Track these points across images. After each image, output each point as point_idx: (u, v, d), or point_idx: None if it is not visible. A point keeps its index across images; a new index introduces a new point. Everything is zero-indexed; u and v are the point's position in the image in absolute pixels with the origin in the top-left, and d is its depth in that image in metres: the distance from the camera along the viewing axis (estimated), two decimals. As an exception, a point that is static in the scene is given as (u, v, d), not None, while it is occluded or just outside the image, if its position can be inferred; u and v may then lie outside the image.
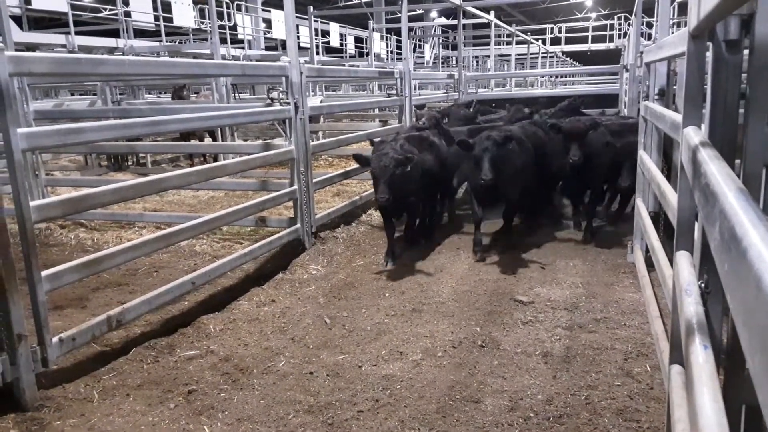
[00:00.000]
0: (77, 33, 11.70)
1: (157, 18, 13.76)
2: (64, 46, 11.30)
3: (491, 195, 5.47)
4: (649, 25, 14.34)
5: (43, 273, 3.15)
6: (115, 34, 13.01)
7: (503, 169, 5.15)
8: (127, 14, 13.04)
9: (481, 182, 5.05)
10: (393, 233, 5.57)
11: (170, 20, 13.81)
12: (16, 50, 6.13)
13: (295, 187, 5.68)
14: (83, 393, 3.21)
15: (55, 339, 3.19)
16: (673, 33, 4.65)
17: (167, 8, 13.67)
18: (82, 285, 4.80)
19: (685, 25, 2.13)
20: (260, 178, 7.45)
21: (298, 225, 5.71)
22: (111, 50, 12.48)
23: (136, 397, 3.19)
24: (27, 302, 3.07)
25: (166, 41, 14.58)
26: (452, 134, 6.40)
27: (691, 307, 1.70)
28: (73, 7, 11.64)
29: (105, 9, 15.15)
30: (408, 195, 5.27)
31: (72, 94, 16.24)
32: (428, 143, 5.88)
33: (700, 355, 1.45)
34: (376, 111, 13.05)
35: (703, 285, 1.84)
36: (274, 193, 5.62)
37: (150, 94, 15.18)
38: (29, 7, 11.13)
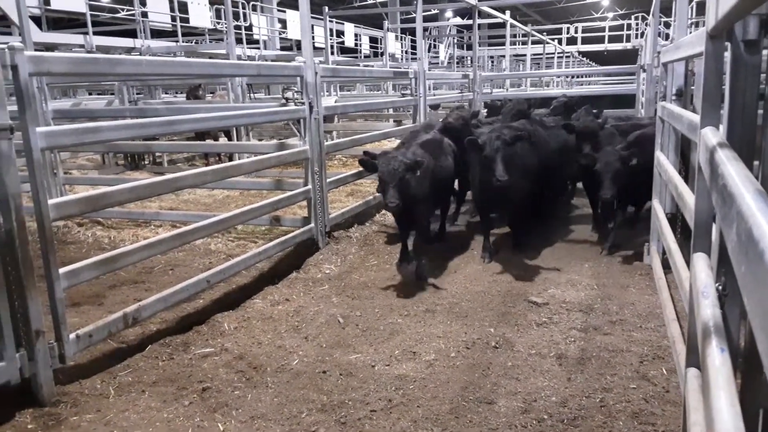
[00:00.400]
0: (95, 33, 11.85)
1: (173, 18, 13.88)
2: (82, 46, 11.45)
3: (500, 198, 5.28)
4: (667, 25, 14.21)
5: (61, 270, 3.20)
6: (132, 34, 13.16)
7: (515, 169, 5.00)
8: (144, 15, 13.18)
9: (498, 184, 4.84)
10: (407, 238, 5.39)
11: (187, 21, 13.92)
12: (36, 50, 6.22)
13: (309, 186, 5.70)
14: (99, 389, 3.25)
15: (72, 335, 3.23)
16: (690, 33, 4.61)
17: (184, 9, 13.79)
18: (99, 282, 4.86)
19: (703, 25, 2.11)
20: (275, 178, 7.49)
21: (312, 224, 5.73)
22: (128, 50, 12.62)
23: (151, 394, 3.22)
24: (45, 299, 3.12)
25: (183, 41, 14.70)
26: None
27: (708, 309, 1.68)
28: (92, 7, 11.79)
29: (122, 9, 15.33)
30: (419, 200, 4.99)
31: (90, 94, 16.43)
32: (443, 147, 5.70)
33: (717, 358, 1.43)
34: (391, 111, 13.05)
35: (720, 287, 1.82)
36: (289, 193, 5.65)
37: (166, 93, 15.31)
38: (48, 7, 11.29)
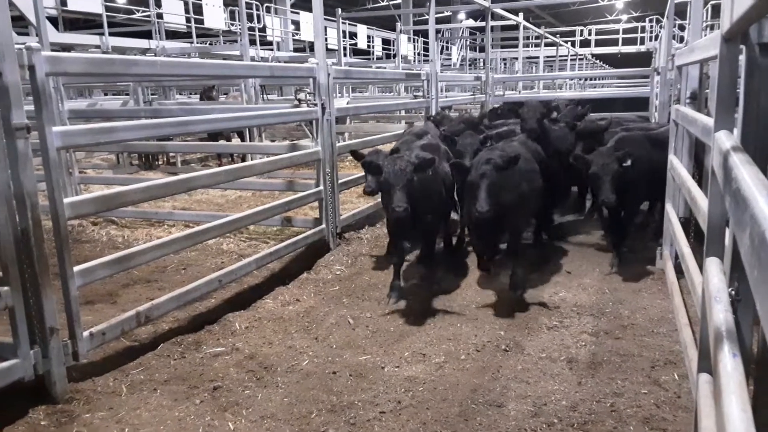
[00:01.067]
0: (111, 34, 11.98)
1: (188, 20, 13.99)
2: (98, 46, 11.57)
3: (490, 227, 4.50)
4: (681, 28, 14.10)
5: (76, 268, 3.23)
6: (147, 35, 13.27)
7: (504, 198, 4.26)
8: (160, 16, 13.30)
9: (476, 215, 4.11)
10: (402, 259, 4.77)
11: (201, 22, 14.03)
12: (52, 50, 6.29)
13: (321, 187, 5.72)
14: (112, 387, 3.28)
15: (85, 333, 3.27)
16: (705, 36, 4.57)
17: (198, 10, 13.90)
18: (113, 281, 4.90)
19: (718, 28, 2.10)
20: (287, 179, 7.52)
21: (323, 225, 5.75)
22: (143, 51, 12.74)
23: (162, 392, 3.25)
24: (59, 297, 3.16)
25: (197, 43, 14.82)
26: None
27: (721, 314, 1.67)
28: (108, 8, 11.91)
29: (138, 11, 15.47)
30: (429, 207, 4.47)
31: (105, 94, 16.56)
32: (440, 153, 5.14)
33: (729, 363, 1.42)
34: (402, 113, 13.06)
35: (733, 292, 1.81)
36: (300, 194, 5.67)
37: (180, 94, 15.43)
38: (65, 8, 11.41)
